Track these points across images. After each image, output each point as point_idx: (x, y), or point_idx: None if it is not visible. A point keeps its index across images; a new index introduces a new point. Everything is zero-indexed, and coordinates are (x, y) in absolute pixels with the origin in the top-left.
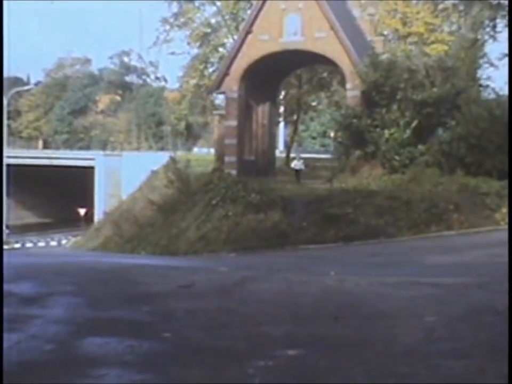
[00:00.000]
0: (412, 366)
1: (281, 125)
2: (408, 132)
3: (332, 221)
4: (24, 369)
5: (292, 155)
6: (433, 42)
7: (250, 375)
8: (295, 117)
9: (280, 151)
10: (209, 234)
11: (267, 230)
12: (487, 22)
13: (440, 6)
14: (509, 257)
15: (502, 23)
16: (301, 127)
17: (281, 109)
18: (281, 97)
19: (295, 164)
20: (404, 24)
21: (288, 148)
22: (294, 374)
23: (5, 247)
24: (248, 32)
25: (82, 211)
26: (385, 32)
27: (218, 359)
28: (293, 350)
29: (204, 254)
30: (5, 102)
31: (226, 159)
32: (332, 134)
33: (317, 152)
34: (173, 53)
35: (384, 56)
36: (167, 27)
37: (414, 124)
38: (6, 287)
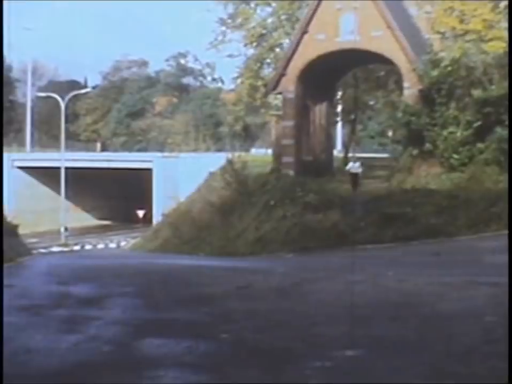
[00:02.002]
0: (471, 367)
1: (339, 124)
2: (469, 130)
3: (391, 221)
4: (83, 370)
5: (350, 155)
6: (491, 40)
7: (308, 376)
8: (352, 117)
9: (338, 151)
10: (267, 235)
11: (325, 230)
12: None
13: (502, 4)
14: (509, 257)
15: None
16: (358, 127)
17: (339, 109)
18: (338, 96)
19: (351, 167)
20: (461, 21)
21: (346, 147)
22: (351, 375)
23: (64, 249)
24: (304, 32)
25: (140, 213)
26: (442, 30)
27: (275, 359)
28: (351, 351)
29: (262, 255)
30: (62, 105)
31: (284, 159)
32: (390, 133)
33: (375, 151)
34: (230, 55)
35: (441, 54)
36: (223, 28)
37: (477, 123)
38: (64, 288)
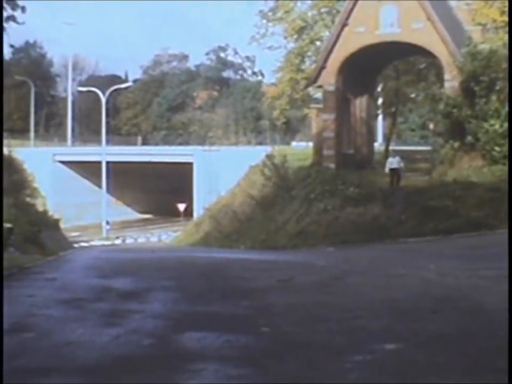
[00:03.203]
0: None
1: (380, 117)
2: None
3: (432, 214)
4: (123, 364)
5: (390, 148)
6: None
7: (348, 370)
8: (393, 109)
9: (379, 144)
10: (308, 229)
11: (366, 224)
12: None
13: None
14: (509, 257)
15: None
16: (399, 119)
17: (380, 101)
18: (379, 89)
19: (390, 162)
20: (502, 13)
21: (386, 140)
22: (392, 369)
23: (106, 242)
24: (344, 24)
25: (181, 207)
26: (483, 22)
27: (315, 353)
28: (391, 344)
29: (303, 248)
30: (103, 99)
31: (325, 152)
32: (431, 126)
33: (416, 144)
34: (270, 47)
35: (482, 46)
36: (264, 21)
37: None
38: (105, 282)
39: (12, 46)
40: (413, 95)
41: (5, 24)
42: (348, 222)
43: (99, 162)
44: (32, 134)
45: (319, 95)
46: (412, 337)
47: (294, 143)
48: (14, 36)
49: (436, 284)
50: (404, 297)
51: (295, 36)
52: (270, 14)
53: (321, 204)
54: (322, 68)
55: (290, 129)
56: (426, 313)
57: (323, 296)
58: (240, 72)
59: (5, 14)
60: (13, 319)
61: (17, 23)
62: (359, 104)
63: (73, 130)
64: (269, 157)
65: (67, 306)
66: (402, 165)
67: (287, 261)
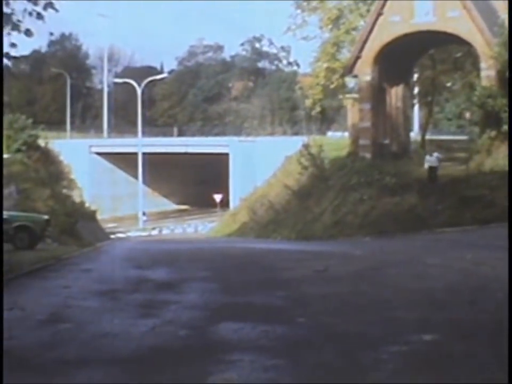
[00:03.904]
0: None
1: (416, 107)
2: None
3: (468, 204)
4: (159, 355)
5: (426, 137)
6: None
7: (384, 361)
8: (429, 99)
9: (415, 133)
10: (344, 219)
11: (403, 214)
12: None
13: None
14: (509, 257)
15: None
16: (435, 109)
17: (416, 91)
18: (415, 78)
19: (429, 160)
20: None
21: (423, 130)
22: (428, 360)
23: (142, 233)
24: (379, 14)
25: (218, 197)
26: None
27: (351, 344)
28: (428, 335)
29: (339, 238)
30: (139, 91)
31: (361, 142)
32: (468, 115)
33: (453, 133)
34: (305, 38)
35: None
36: (299, 11)
37: None
38: (142, 273)
39: (51, 33)
40: (449, 84)
41: (43, 12)
42: (384, 212)
43: (135, 154)
44: (68, 125)
45: (355, 84)
46: (448, 328)
47: (329, 133)
48: (50, 28)
49: (473, 273)
50: (440, 287)
51: (330, 26)
52: (304, 4)
53: (357, 193)
54: (357, 57)
55: (326, 119)
56: (463, 304)
57: (359, 286)
58: (276, 62)
59: (42, 2)
60: (49, 309)
61: (56, 9)
62: (395, 94)
63: (109, 121)
64: (306, 146)
65: (103, 297)
66: (438, 163)
67: (323, 251)
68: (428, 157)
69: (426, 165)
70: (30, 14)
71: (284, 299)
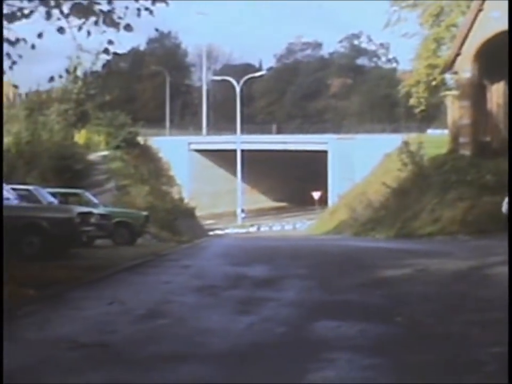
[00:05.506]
0: None
1: None
2: None
3: None
4: (256, 351)
5: None
6: None
7: (484, 362)
8: None
9: None
10: (444, 217)
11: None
12: None
13: None
14: (509, 257)
15: None
16: None
17: None
18: None
19: None
20: None
21: None
22: None
23: (240, 230)
24: (479, 10)
25: (316, 195)
26: None
27: (450, 345)
28: None
29: (438, 237)
30: (237, 88)
31: (461, 140)
32: None
33: None
34: (405, 34)
35: None
36: (396, 8)
37: None
38: (240, 270)
39: (156, 29)
40: None
41: (151, 7)
42: (485, 211)
43: (234, 151)
44: (167, 123)
45: (455, 81)
46: None
47: (429, 131)
48: (149, 26)
49: None
50: None
51: (430, 22)
52: (401, 0)
53: (457, 192)
54: (457, 54)
55: (426, 117)
56: None
57: (459, 286)
58: (375, 59)
59: None
60: (149, 304)
61: (166, 3)
62: (496, 90)
63: (208, 119)
64: (406, 143)
65: (202, 293)
66: None
67: (422, 250)
68: None
69: None
70: (138, 10)
71: (382, 298)
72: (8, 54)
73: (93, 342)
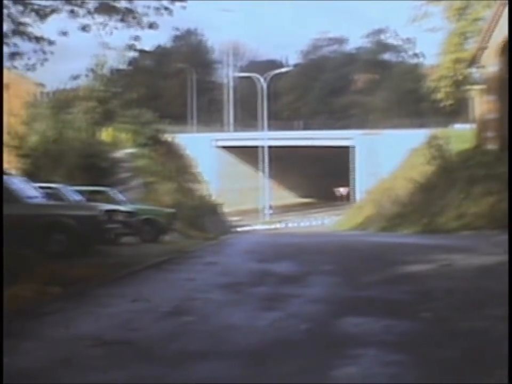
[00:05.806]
0: None
1: None
2: None
3: None
4: (281, 347)
5: None
6: None
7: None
8: None
9: None
10: (470, 212)
11: None
12: None
13: None
14: (509, 257)
15: None
16: None
17: None
18: None
19: None
20: None
21: None
22: None
23: (268, 226)
24: (505, 4)
25: (343, 190)
26: None
27: (476, 341)
28: None
29: (465, 232)
30: (263, 85)
31: (488, 134)
32: None
33: None
34: (431, 29)
35: None
36: (423, 2)
37: None
38: (265, 266)
39: (177, 29)
40: None
41: (170, 6)
42: None
43: (259, 147)
44: (194, 119)
45: (481, 75)
46: None
47: (457, 125)
48: (175, 23)
49: None
50: None
51: (456, 16)
52: None
53: (484, 186)
54: (483, 48)
55: (452, 111)
56: None
57: (486, 281)
58: (401, 54)
59: None
60: (174, 302)
61: (185, 1)
62: None
63: (234, 115)
64: (434, 137)
65: (227, 290)
66: None
67: (449, 245)
68: None
69: None
70: (157, 9)
71: (407, 293)
72: (38, 51)
73: (118, 339)
